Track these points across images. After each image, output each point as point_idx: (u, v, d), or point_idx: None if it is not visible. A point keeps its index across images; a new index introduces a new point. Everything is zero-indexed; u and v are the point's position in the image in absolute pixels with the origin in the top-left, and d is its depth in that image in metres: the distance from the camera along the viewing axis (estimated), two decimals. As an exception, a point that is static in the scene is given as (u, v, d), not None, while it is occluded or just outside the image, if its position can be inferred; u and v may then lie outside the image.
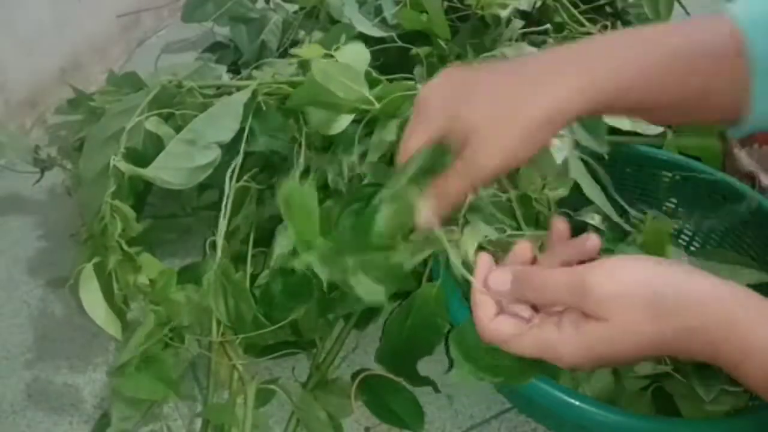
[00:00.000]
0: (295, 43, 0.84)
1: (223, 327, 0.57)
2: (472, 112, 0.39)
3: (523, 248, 0.42)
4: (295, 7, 0.90)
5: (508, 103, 0.38)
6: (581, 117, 0.38)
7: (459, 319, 0.49)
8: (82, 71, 1.15)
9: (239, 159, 0.58)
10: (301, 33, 0.85)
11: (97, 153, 0.60)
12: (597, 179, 0.57)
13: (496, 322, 0.38)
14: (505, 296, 0.39)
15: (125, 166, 0.55)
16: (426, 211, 0.41)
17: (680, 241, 0.68)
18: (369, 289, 0.48)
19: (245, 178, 0.58)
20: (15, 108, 1.02)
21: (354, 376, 0.60)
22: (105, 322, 0.55)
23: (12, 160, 0.88)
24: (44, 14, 1.06)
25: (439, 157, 0.42)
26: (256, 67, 0.72)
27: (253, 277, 0.59)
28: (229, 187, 0.58)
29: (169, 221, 0.73)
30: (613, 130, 0.61)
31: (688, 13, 0.90)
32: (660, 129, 0.62)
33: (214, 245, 0.57)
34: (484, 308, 0.39)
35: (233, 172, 0.57)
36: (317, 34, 0.76)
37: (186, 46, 1.16)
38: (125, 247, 0.55)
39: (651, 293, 0.33)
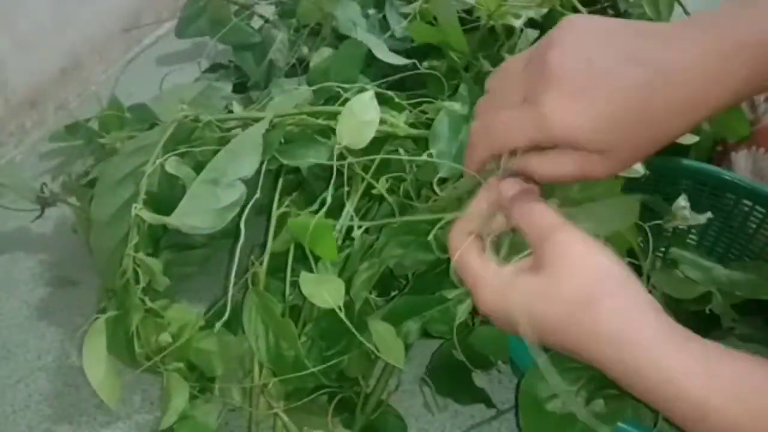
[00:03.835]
0: (300, 60, 0.85)
1: (263, 372, 0.55)
2: (619, 131, 0.36)
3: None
4: (294, 23, 0.90)
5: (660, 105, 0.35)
6: None
7: (524, 362, 0.49)
8: (82, 71, 1.16)
9: (279, 185, 0.58)
10: (305, 50, 0.86)
11: (110, 194, 0.58)
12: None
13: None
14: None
15: (149, 215, 0.53)
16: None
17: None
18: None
19: (286, 203, 0.58)
20: (15, 108, 1.04)
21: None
22: (101, 384, 0.54)
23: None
24: (44, 14, 1.07)
25: None
26: (267, 92, 0.73)
27: (292, 311, 0.58)
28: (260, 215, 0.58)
29: (185, 254, 0.70)
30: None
31: (687, 13, 0.91)
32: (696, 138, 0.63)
33: (254, 277, 0.55)
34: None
35: (271, 200, 0.57)
36: (325, 51, 0.76)
37: (186, 46, 1.17)
38: (149, 303, 0.54)
39: (597, 278, 0.35)
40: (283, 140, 0.58)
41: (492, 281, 0.37)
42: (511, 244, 0.41)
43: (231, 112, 0.73)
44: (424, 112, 0.62)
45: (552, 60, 0.35)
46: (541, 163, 0.39)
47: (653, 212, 0.58)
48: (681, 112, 0.35)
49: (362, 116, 0.54)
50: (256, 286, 0.54)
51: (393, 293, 0.62)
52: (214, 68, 0.98)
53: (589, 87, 0.35)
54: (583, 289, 0.34)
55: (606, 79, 0.34)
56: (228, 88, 0.76)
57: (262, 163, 0.53)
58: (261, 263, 0.56)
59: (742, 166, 0.71)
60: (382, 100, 0.60)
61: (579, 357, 0.35)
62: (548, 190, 0.48)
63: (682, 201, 0.59)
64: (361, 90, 0.62)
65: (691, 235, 0.69)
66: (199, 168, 0.55)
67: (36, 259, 0.85)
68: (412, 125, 0.59)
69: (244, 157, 0.53)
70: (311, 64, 0.76)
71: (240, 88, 0.89)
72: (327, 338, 0.56)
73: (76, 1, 1.14)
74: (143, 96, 0.89)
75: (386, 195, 0.57)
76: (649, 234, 0.57)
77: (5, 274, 0.83)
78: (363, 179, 0.57)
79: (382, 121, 0.56)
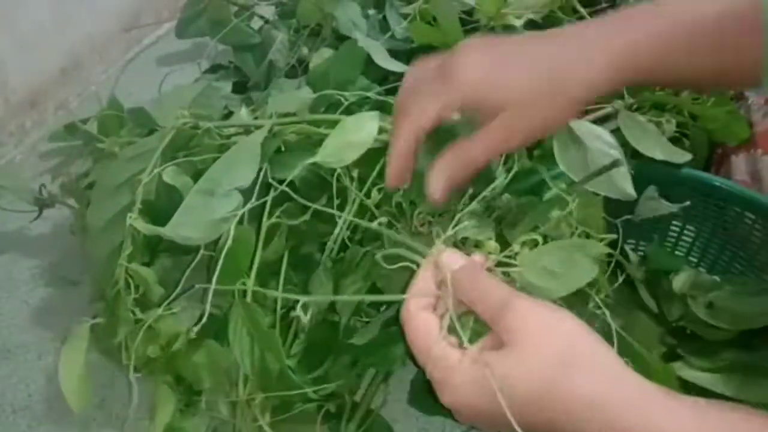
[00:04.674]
0: (300, 61, 0.85)
1: (249, 385, 0.54)
2: (514, 81, 0.42)
3: (478, 260, 0.41)
4: (294, 23, 0.90)
5: (548, 77, 0.42)
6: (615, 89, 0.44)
7: None
8: (82, 71, 1.17)
9: (270, 196, 0.55)
10: (305, 50, 0.86)
11: (107, 201, 0.57)
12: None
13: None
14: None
15: (143, 226, 0.52)
16: (438, 179, 0.43)
17: (690, 258, 0.69)
18: None
19: (276, 214, 0.55)
20: (15, 108, 1.04)
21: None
22: (71, 390, 0.53)
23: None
24: (44, 14, 1.08)
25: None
26: (267, 93, 0.72)
27: (284, 327, 0.56)
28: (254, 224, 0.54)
29: (183, 258, 0.65)
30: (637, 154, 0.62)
31: None
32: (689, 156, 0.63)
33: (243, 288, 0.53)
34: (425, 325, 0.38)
35: (264, 208, 0.55)
36: (325, 51, 0.76)
37: (186, 46, 1.17)
38: (140, 315, 0.53)
39: (565, 345, 0.33)
40: (283, 148, 0.57)
41: (460, 371, 0.35)
42: (475, 318, 0.38)
43: (231, 112, 0.73)
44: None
45: (459, 58, 0.43)
46: (472, 143, 0.42)
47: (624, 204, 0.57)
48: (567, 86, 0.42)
49: (352, 136, 0.52)
50: (242, 296, 0.53)
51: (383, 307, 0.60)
52: (214, 69, 0.98)
53: (492, 65, 0.42)
54: (554, 358, 0.33)
55: (505, 60, 0.43)
56: (227, 88, 0.76)
57: (259, 171, 0.52)
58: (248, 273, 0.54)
59: (742, 170, 0.71)
60: (383, 107, 0.59)
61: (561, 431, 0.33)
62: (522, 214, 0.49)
63: (651, 191, 0.59)
64: (361, 99, 0.61)
65: (684, 237, 0.69)
66: (198, 176, 0.53)
67: (36, 259, 0.85)
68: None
69: (241, 166, 0.52)
70: (311, 65, 0.76)
71: (240, 88, 0.89)
72: (314, 351, 0.55)
73: (76, 1, 1.14)
74: (143, 96, 0.89)
75: (375, 210, 0.55)
76: (620, 228, 0.57)
77: (5, 274, 0.83)
78: (356, 188, 0.56)
79: (383, 130, 0.55)
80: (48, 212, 0.79)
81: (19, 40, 1.03)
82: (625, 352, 0.47)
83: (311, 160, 0.51)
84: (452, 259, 0.39)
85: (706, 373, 0.55)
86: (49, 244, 0.87)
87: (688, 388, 0.53)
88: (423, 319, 0.38)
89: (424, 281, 0.40)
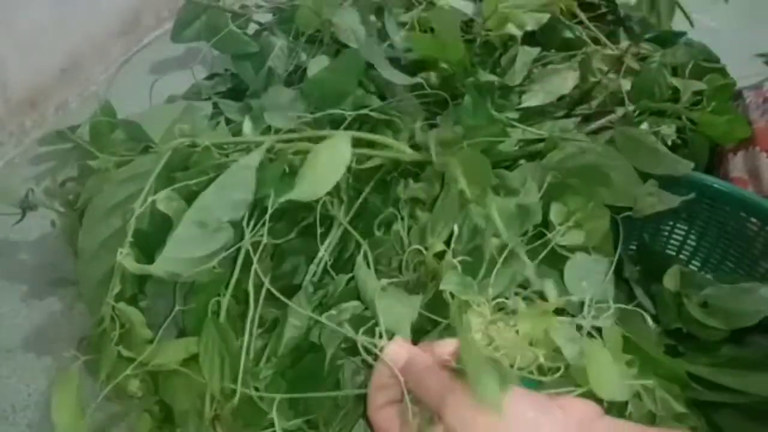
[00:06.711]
0: (298, 67, 0.85)
1: (216, 403, 0.52)
2: None
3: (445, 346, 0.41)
4: (293, 29, 0.88)
5: None
6: None
7: None
8: (82, 71, 1.17)
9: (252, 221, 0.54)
10: (304, 56, 0.85)
11: (99, 224, 0.56)
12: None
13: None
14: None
15: (133, 265, 0.51)
16: None
17: (681, 256, 0.70)
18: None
19: (260, 232, 0.54)
20: (15, 108, 1.05)
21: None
22: (65, 428, 0.52)
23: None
24: (44, 14, 1.08)
25: None
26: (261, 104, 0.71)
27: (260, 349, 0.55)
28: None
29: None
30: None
31: (688, 18, 0.88)
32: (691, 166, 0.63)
33: (218, 306, 0.53)
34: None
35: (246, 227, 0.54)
36: (323, 59, 0.75)
37: (185, 47, 1.17)
38: (125, 352, 0.53)
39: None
40: (287, 169, 0.56)
41: None
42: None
43: (221, 120, 0.73)
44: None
45: None
46: None
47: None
48: None
49: (325, 165, 0.52)
50: (216, 316, 0.52)
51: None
52: (211, 77, 0.98)
53: None
54: None
55: None
56: (208, 107, 0.74)
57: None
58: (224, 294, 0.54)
59: (740, 167, 0.71)
60: (379, 123, 0.59)
61: None
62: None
63: (650, 186, 0.59)
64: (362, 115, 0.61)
65: (675, 235, 0.70)
66: (193, 196, 0.52)
67: (35, 259, 0.85)
68: (413, 146, 0.58)
69: (234, 196, 0.51)
70: (308, 73, 0.74)
71: (237, 95, 0.88)
72: (292, 378, 0.54)
73: (76, 2, 1.14)
74: (141, 97, 0.90)
75: (361, 240, 0.54)
76: (620, 225, 0.58)
77: (5, 274, 0.84)
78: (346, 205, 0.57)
79: (385, 146, 0.55)
80: (48, 213, 0.79)
81: (19, 40, 1.04)
82: (629, 350, 0.48)
83: (285, 198, 0.51)
84: (396, 354, 0.40)
85: (707, 368, 0.55)
86: (49, 244, 0.87)
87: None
88: (385, 414, 0.39)
89: (384, 374, 0.40)
